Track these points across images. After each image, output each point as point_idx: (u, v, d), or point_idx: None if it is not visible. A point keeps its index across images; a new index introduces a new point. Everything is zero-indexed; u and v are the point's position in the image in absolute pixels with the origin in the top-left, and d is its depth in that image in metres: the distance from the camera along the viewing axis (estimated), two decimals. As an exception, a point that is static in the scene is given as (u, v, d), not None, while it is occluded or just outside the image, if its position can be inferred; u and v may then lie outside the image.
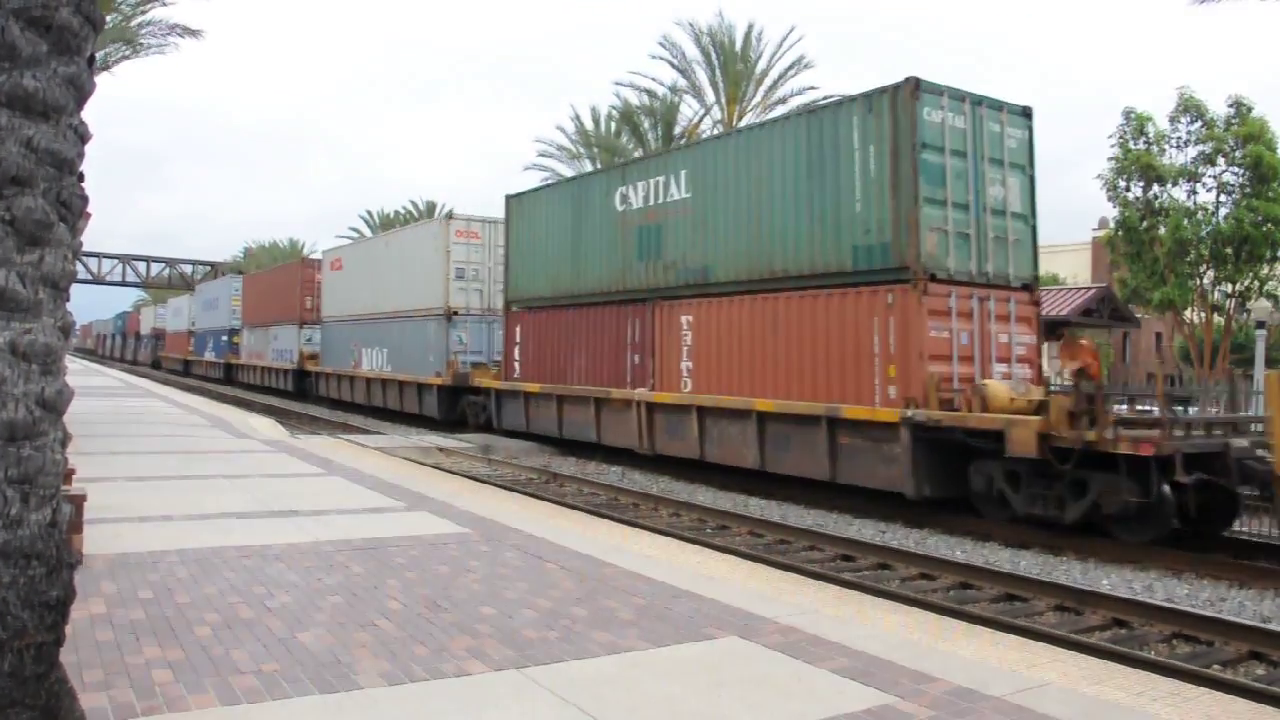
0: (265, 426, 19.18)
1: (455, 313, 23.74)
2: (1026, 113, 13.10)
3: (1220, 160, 25.34)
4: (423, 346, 24.40)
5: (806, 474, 13.10)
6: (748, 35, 33.34)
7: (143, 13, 18.24)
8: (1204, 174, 25.79)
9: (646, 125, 35.76)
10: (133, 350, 78.56)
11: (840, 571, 9.13)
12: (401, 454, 16.61)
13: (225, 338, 44.77)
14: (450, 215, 24.28)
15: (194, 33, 18.84)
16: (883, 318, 11.95)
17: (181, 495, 9.15)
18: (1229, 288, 26.51)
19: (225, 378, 45.13)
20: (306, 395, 34.06)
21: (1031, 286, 13.04)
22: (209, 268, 70.63)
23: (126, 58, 18.76)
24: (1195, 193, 26.22)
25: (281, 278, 37.75)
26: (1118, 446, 9.57)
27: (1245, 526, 10.97)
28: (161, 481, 10.10)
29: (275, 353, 37.16)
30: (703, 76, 34.18)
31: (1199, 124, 25.58)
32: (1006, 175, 12.70)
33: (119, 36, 18.08)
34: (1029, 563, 9.71)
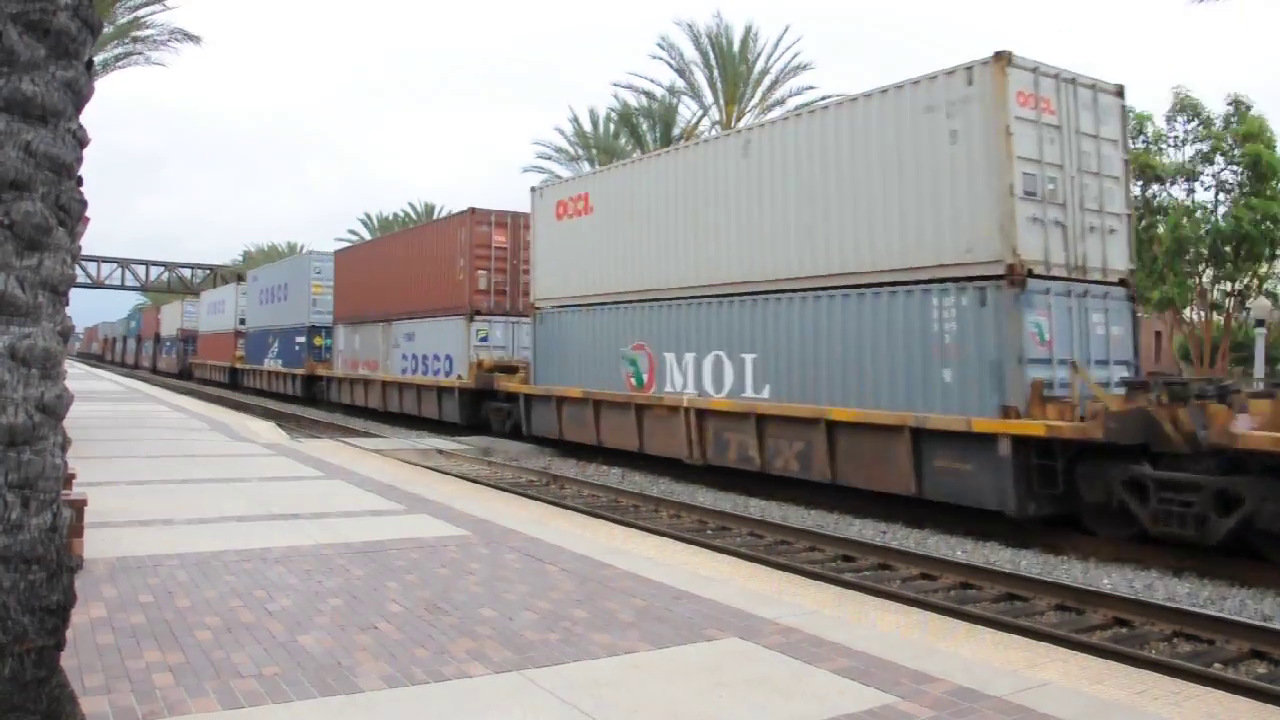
0: (265, 430, 19.18)
1: (1030, 273, 10.56)
2: None
3: (1219, 159, 25.40)
4: (917, 349, 11.26)
5: None
6: (746, 36, 33.40)
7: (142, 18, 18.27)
8: (1202, 172, 25.85)
9: (645, 126, 35.79)
10: (151, 356, 66.07)
11: (841, 572, 9.13)
12: (400, 456, 16.61)
13: (302, 339, 31.83)
14: (1008, 59, 10.76)
15: (193, 38, 18.89)
16: None
17: (181, 499, 9.15)
18: (1228, 286, 26.56)
19: (304, 394, 32.57)
20: (484, 428, 21.37)
21: None
22: (209, 271, 69.40)
23: (119, 59, 18.77)
24: (1193, 191, 26.28)
25: (424, 243, 24.08)
26: None
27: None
28: (161, 485, 10.10)
29: (410, 361, 24.12)
30: (701, 78, 34.25)
31: (1195, 123, 25.65)
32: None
33: (122, 33, 18.09)
34: (1029, 562, 9.71)
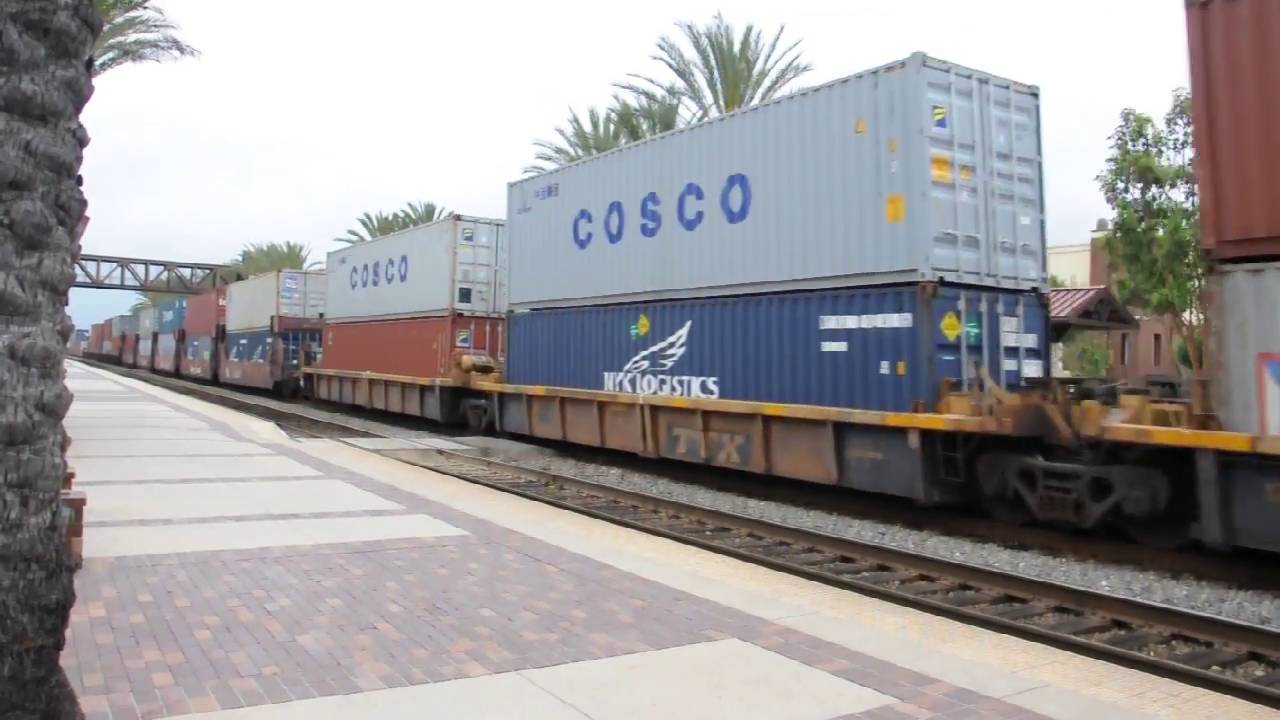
0: (265, 430, 19.17)
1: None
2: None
3: None
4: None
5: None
6: (746, 37, 33.42)
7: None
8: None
9: (645, 127, 35.80)
10: (210, 360, 44.69)
11: (840, 573, 9.13)
12: (400, 456, 16.61)
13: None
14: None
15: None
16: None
17: (181, 499, 9.15)
18: None
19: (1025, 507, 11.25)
20: None
21: None
22: (208, 271, 69.15)
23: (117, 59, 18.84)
24: (1194, 194, 26.24)
25: None
26: None
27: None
28: (161, 485, 10.10)
29: None
30: (701, 79, 34.26)
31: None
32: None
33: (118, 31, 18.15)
34: (1028, 564, 9.71)
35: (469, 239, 22.75)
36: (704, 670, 4.40)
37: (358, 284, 28.67)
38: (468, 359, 21.82)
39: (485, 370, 21.45)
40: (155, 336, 62.14)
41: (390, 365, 25.24)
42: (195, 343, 48.99)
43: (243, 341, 40.00)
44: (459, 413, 22.41)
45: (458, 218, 22.83)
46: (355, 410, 27.69)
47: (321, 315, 33.70)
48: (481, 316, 22.86)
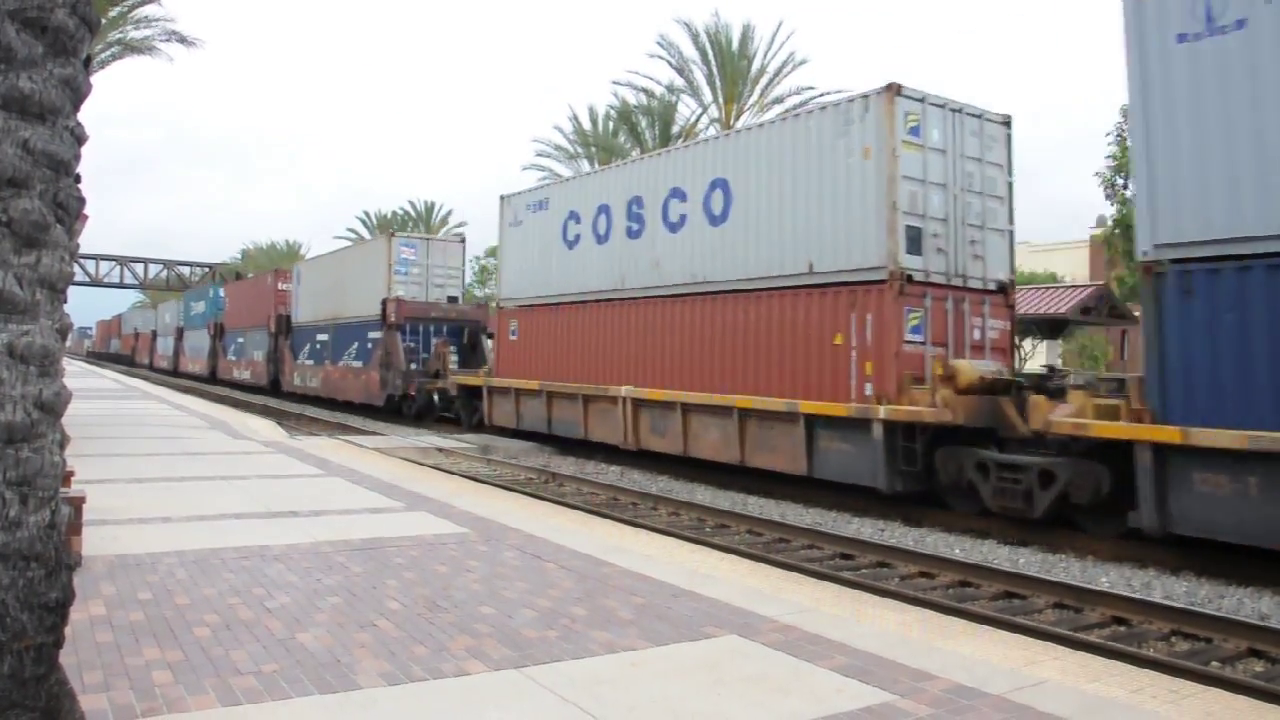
0: (264, 428, 19.17)
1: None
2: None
3: None
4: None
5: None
6: (744, 34, 33.40)
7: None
8: None
9: (644, 124, 35.80)
10: (267, 359, 34.14)
11: (840, 570, 9.14)
12: (400, 454, 16.60)
13: None
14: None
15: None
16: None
17: (180, 496, 9.15)
18: None
19: None
20: None
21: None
22: (207, 269, 69.07)
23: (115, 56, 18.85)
24: None
25: None
26: None
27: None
28: (160, 483, 10.09)
29: None
30: (700, 76, 34.24)
31: None
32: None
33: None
34: (1028, 560, 9.72)
35: (913, 133, 12.05)
36: (704, 667, 4.41)
37: (582, 238, 17.47)
38: (969, 368, 11.46)
39: (1042, 392, 10.87)
40: (180, 333, 50.17)
41: (692, 377, 14.63)
42: (240, 339, 37.48)
43: (321, 338, 28.81)
44: (950, 477, 11.39)
45: (897, 89, 11.90)
46: (534, 437, 18.01)
47: (452, 299, 25.56)
48: (940, 284, 12.24)
